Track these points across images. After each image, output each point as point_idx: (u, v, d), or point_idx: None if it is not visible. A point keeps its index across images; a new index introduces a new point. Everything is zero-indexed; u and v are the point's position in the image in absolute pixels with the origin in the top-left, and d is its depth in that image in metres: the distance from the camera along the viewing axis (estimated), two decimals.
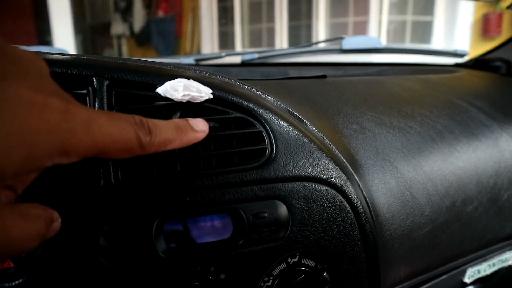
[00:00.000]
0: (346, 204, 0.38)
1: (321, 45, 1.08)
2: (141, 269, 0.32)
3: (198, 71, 0.39)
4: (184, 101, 0.33)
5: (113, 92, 0.33)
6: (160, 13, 5.20)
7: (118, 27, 5.36)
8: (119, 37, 5.50)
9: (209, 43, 4.96)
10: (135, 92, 0.34)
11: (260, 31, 4.68)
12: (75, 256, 0.30)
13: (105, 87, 0.33)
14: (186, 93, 0.32)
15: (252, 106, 0.36)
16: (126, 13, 5.33)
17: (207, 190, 0.33)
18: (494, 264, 0.61)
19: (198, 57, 0.99)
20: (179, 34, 5.12)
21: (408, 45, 3.82)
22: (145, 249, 0.31)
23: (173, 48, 5.17)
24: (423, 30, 3.84)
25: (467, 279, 0.58)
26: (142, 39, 5.30)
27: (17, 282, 0.29)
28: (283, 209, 0.35)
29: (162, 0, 5.17)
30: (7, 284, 0.29)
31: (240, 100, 0.36)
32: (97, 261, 0.31)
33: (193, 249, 0.33)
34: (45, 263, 0.30)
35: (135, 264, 0.31)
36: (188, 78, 0.34)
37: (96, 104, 0.32)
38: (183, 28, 5.09)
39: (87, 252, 0.30)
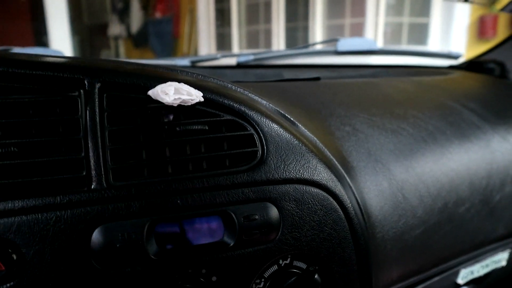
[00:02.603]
0: (337, 206, 0.38)
1: (317, 47, 1.09)
2: (133, 271, 0.32)
3: (191, 74, 0.39)
4: (175, 104, 0.33)
5: (105, 95, 0.33)
6: (158, 15, 5.20)
7: (115, 28, 5.36)
8: (116, 38, 5.50)
9: (206, 45, 4.96)
10: (127, 95, 0.34)
11: (257, 33, 4.69)
12: (66, 258, 0.30)
13: (96, 90, 0.33)
14: (176, 96, 0.32)
15: (243, 109, 0.36)
16: (123, 14, 5.33)
17: (198, 193, 0.33)
18: (487, 265, 0.61)
19: (194, 58, 0.99)
20: (176, 35, 5.12)
21: (403, 47, 3.83)
22: (136, 251, 0.32)
23: (170, 49, 5.17)
24: (420, 32, 3.85)
25: (460, 280, 0.58)
26: (139, 40, 5.30)
27: (8, 285, 0.29)
28: (274, 212, 0.36)
29: (159, 2, 5.17)
30: None
31: (231, 103, 0.36)
32: (89, 264, 0.31)
33: (184, 251, 0.33)
34: (36, 266, 0.30)
35: (127, 266, 0.32)
36: (180, 81, 0.34)
37: (88, 106, 0.32)
38: (180, 29, 5.09)
39: (78, 254, 0.31)
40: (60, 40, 3.19)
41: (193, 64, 0.97)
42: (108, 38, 5.45)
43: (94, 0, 5.31)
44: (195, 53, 4.91)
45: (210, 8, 4.88)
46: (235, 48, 4.77)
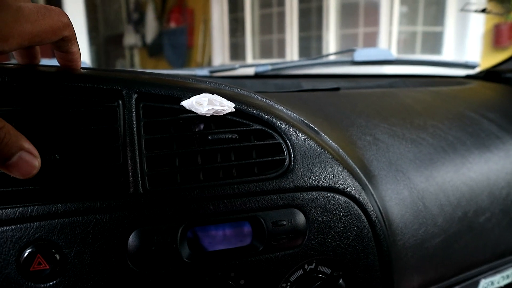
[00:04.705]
0: (361, 213, 0.40)
1: (333, 57, 1.10)
2: (167, 273, 0.33)
3: (218, 85, 0.41)
4: (208, 115, 0.35)
5: (141, 105, 0.35)
6: (172, 25, 5.29)
7: (130, 38, 5.47)
8: (131, 47, 5.61)
9: (220, 54, 5.02)
10: (161, 105, 0.36)
11: (271, 42, 4.73)
12: (105, 260, 0.32)
13: (133, 101, 0.35)
14: (210, 107, 0.34)
15: (271, 119, 0.38)
16: (138, 24, 5.44)
17: (229, 199, 0.35)
18: (508, 276, 0.61)
19: (212, 68, 1.01)
20: (190, 45, 5.20)
21: (418, 56, 3.82)
22: (170, 254, 0.33)
23: (184, 59, 5.24)
24: (434, 41, 3.84)
25: None
26: (154, 50, 5.39)
27: (51, 283, 0.31)
28: (301, 218, 0.37)
29: (174, 12, 5.27)
30: (42, 285, 0.31)
31: (260, 113, 0.38)
32: (125, 265, 0.32)
33: (215, 255, 0.35)
34: (77, 266, 0.31)
35: (161, 268, 0.33)
36: (212, 92, 0.36)
37: (125, 116, 0.34)
38: (194, 39, 5.17)
39: (116, 256, 0.32)
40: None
41: (212, 74, 0.99)
42: (123, 47, 5.56)
43: (110, 11, 5.44)
44: (209, 62, 4.98)
45: (224, 18, 4.95)
46: (249, 58, 4.81)
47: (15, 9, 0.27)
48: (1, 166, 0.27)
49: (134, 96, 0.35)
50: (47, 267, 0.31)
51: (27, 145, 0.27)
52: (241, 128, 0.37)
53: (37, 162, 0.28)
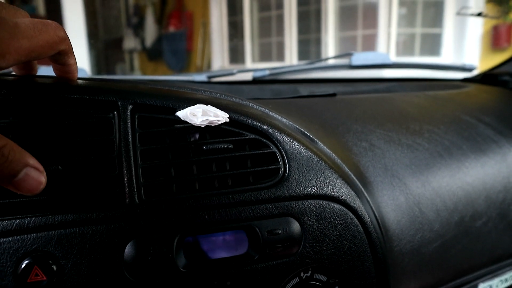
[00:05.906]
0: (356, 221, 0.40)
1: (331, 61, 1.11)
2: (163, 283, 0.34)
3: (214, 94, 0.41)
4: (203, 126, 0.35)
5: (136, 116, 0.36)
6: (171, 28, 5.31)
7: (130, 42, 5.48)
8: (130, 51, 5.63)
9: (219, 58, 5.03)
10: (157, 116, 0.36)
11: (270, 45, 4.74)
12: (101, 270, 0.32)
13: (129, 112, 0.35)
14: (204, 118, 0.34)
15: (266, 128, 0.38)
16: (138, 28, 5.46)
17: (224, 208, 0.35)
18: (506, 280, 0.61)
19: (210, 74, 1.02)
20: (190, 49, 5.22)
21: (416, 59, 3.83)
22: (166, 264, 0.33)
23: (184, 63, 5.26)
24: (433, 43, 3.85)
25: None
26: (153, 54, 5.41)
27: None
28: (296, 226, 0.37)
29: (173, 16, 5.29)
30: None
31: (255, 123, 0.38)
32: (122, 275, 0.33)
33: (210, 264, 0.35)
34: (74, 277, 0.32)
35: (157, 278, 0.33)
36: (206, 102, 0.37)
37: (121, 127, 0.35)
38: (193, 43, 5.18)
39: (112, 266, 0.32)
40: (79, 57, 3.27)
41: (210, 80, 1.00)
42: (123, 51, 5.58)
43: (110, 15, 5.45)
44: (209, 66, 4.99)
45: (223, 21, 4.97)
46: (248, 61, 4.82)
47: (12, 26, 0.27)
48: (8, 184, 0.27)
49: (130, 107, 0.35)
50: (44, 278, 0.31)
51: (32, 161, 0.27)
52: (236, 138, 0.37)
53: (43, 178, 0.28)
